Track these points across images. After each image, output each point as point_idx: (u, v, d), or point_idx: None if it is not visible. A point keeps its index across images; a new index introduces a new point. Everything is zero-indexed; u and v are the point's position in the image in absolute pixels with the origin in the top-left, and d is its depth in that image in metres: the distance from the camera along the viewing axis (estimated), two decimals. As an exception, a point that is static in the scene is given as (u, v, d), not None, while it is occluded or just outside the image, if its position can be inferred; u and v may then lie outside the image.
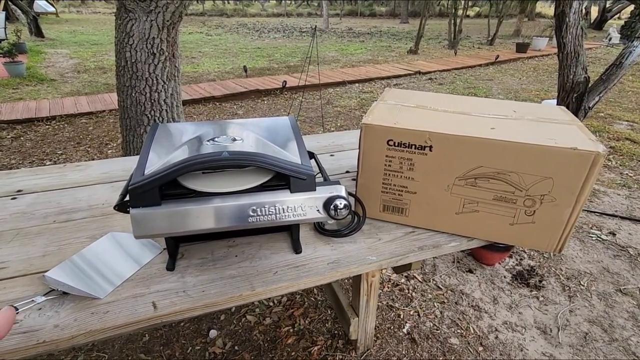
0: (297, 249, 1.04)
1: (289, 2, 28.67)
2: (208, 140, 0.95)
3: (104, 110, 4.34)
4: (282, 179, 0.93)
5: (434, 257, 2.03)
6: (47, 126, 3.94)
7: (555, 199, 0.96)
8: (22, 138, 3.63)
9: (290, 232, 1.09)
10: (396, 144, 1.03)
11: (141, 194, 0.83)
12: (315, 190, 0.92)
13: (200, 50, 9.48)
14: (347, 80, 6.23)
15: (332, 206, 0.91)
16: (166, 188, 0.88)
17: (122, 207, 0.88)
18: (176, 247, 1.02)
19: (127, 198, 0.87)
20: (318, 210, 0.92)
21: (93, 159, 2.96)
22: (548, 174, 0.93)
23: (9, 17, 9.89)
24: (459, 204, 1.06)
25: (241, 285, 0.93)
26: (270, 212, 0.90)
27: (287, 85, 5.58)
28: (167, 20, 2.07)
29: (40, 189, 1.34)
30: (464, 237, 1.10)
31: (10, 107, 4.34)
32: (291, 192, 0.91)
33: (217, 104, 4.99)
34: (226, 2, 27.04)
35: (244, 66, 6.66)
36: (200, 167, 0.85)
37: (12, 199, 1.28)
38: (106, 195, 1.31)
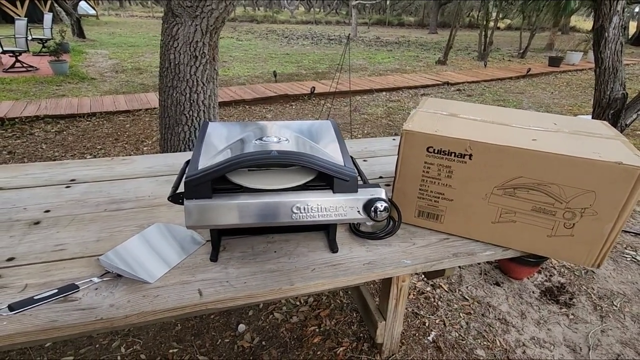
0: (333, 248, 1.08)
1: (318, 10, 29.03)
2: (256, 140, 1.01)
3: (140, 109, 4.53)
4: (325, 179, 0.97)
5: (460, 268, 2.02)
6: (87, 122, 4.15)
7: (597, 213, 0.96)
8: (64, 132, 3.83)
9: (327, 231, 1.12)
10: (436, 151, 1.05)
11: (195, 187, 0.88)
12: (357, 191, 0.95)
13: (231, 54, 9.72)
14: (374, 89, 6.26)
15: (372, 208, 0.94)
16: (216, 183, 0.93)
17: (175, 198, 0.94)
18: (219, 239, 1.07)
19: (179, 190, 0.94)
20: (358, 211, 0.96)
21: (130, 155, 3.09)
22: (591, 188, 0.93)
23: (54, 19, 10.43)
24: (495, 213, 1.07)
25: (281, 280, 0.97)
26: (313, 211, 0.93)
27: (315, 91, 5.66)
28: (211, 25, 2.17)
29: (92, 179, 1.43)
30: (499, 247, 1.11)
31: (55, 103, 4.60)
32: (334, 192, 0.94)
33: (247, 107, 5.11)
34: (256, 8, 27.64)
35: (274, 71, 6.79)
36: (250, 164, 0.90)
37: (66, 187, 1.37)
38: (151, 188, 1.38)
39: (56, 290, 0.84)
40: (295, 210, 0.93)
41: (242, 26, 18.77)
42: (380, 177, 1.50)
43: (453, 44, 9.82)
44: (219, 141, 1.04)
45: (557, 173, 0.95)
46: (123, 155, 3.02)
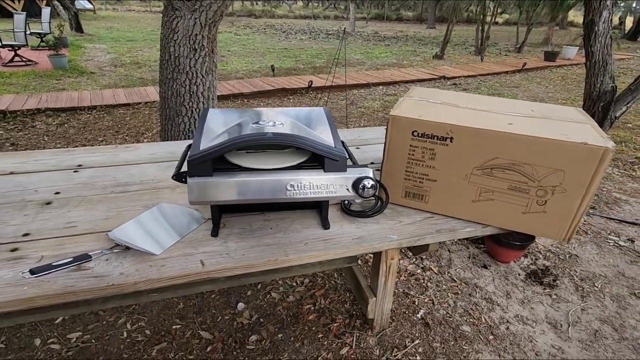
0: (325, 225, 1.16)
1: (316, 4, 28.96)
2: (253, 124, 1.09)
3: (139, 103, 4.60)
4: (317, 160, 1.05)
5: (450, 252, 2.11)
6: (88, 115, 4.21)
7: (566, 190, 1.04)
8: (66, 125, 3.90)
9: (319, 210, 1.21)
10: (420, 135, 1.14)
11: (197, 165, 0.97)
12: (346, 171, 1.03)
13: (229, 49, 9.75)
14: (371, 83, 6.33)
15: (360, 186, 1.02)
16: (216, 163, 1.01)
17: (179, 177, 1.02)
18: (219, 216, 1.15)
19: (182, 170, 1.02)
20: (347, 189, 1.04)
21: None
22: (560, 167, 1.02)
23: (51, 13, 10.43)
24: (475, 192, 1.15)
25: (276, 252, 1.05)
26: (306, 188, 1.02)
27: (312, 85, 5.72)
28: (210, 19, 2.24)
29: (98, 164, 1.51)
30: (479, 224, 1.20)
31: (55, 96, 4.66)
32: (325, 171, 1.03)
33: (245, 100, 5.18)
34: (255, 3, 27.55)
35: (272, 65, 6.85)
36: (248, 144, 0.98)
37: (74, 172, 1.45)
38: (154, 172, 1.46)
39: (71, 259, 0.92)
40: (289, 188, 1.01)
41: (240, 21, 18.74)
42: (372, 163, 1.59)
43: (450, 38, 9.87)
44: (219, 125, 1.12)
45: (529, 153, 1.03)
46: (124, 147, 3.10)
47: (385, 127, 2.02)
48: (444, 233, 1.17)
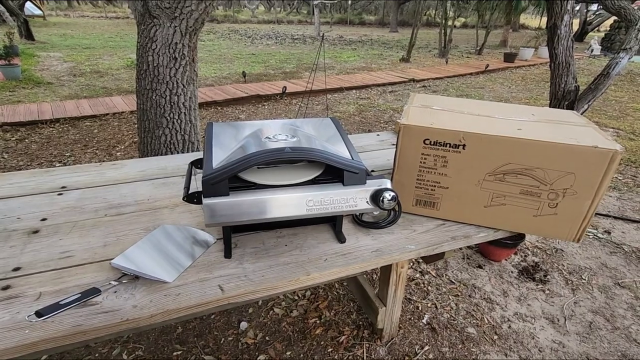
0: (341, 239, 1.13)
1: (279, 9, 28.89)
2: (265, 137, 1.04)
3: (107, 114, 4.36)
4: (332, 173, 1.02)
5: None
6: (51, 129, 3.94)
7: (577, 192, 1.07)
8: (27, 140, 3.62)
9: (333, 223, 1.18)
10: (432, 143, 1.13)
11: (213, 185, 0.91)
12: (365, 183, 1.01)
13: (195, 55, 9.50)
14: (344, 87, 6.37)
15: (380, 198, 1.00)
16: (229, 181, 0.95)
17: (190, 198, 0.96)
18: (230, 236, 1.09)
19: (192, 190, 0.96)
20: (367, 201, 1.02)
21: (103, 161, 2.98)
22: (571, 170, 1.05)
23: (-1, 20, 9.76)
24: (487, 197, 1.16)
25: (297, 271, 1.01)
26: (326, 203, 0.98)
27: (286, 91, 5.68)
28: (190, 27, 2.15)
29: (83, 185, 1.40)
30: (491, 229, 1.21)
31: (12, 109, 4.32)
32: (344, 184, 1.00)
33: (219, 108, 5.05)
34: (215, 7, 27.08)
35: (243, 72, 6.73)
36: (266, 160, 0.93)
37: (58, 194, 1.33)
38: (149, 191, 1.37)
39: (79, 295, 0.84)
40: (309, 204, 0.97)
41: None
42: (373, 171, 1.57)
43: (415, 42, 10.14)
44: (229, 140, 1.06)
45: (541, 158, 1.05)
46: (95, 162, 2.91)
47: (377, 134, 2.03)
48: (459, 240, 1.17)
